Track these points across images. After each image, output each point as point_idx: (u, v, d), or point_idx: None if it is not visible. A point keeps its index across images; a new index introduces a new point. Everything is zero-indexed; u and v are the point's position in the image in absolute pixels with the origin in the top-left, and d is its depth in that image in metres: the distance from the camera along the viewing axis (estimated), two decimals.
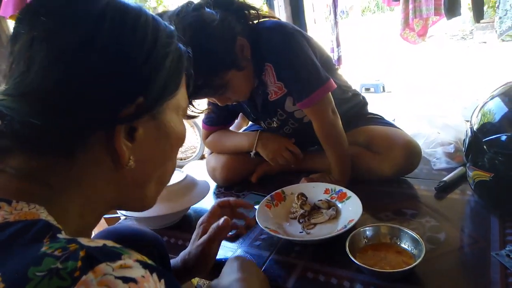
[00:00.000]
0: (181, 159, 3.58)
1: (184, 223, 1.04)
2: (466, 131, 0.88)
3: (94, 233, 0.63)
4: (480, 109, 0.86)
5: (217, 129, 1.23)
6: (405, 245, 0.75)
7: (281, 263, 0.82)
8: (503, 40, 6.43)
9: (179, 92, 0.46)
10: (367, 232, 0.79)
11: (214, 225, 0.75)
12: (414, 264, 0.67)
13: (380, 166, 1.03)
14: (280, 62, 0.98)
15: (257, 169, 1.19)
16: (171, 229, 1.01)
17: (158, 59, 0.42)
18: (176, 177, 1.03)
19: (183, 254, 0.76)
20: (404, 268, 0.68)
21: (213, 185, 1.21)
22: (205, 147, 1.28)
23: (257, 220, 0.89)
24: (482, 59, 5.85)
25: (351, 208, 0.90)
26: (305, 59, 0.96)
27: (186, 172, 1.07)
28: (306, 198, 0.97)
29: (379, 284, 0.71)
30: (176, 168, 1.10)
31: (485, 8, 3.56)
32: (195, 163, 2.84)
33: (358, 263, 0.71)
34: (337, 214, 0.92)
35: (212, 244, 0.74)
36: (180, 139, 0.49)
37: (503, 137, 0.76)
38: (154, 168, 0.47)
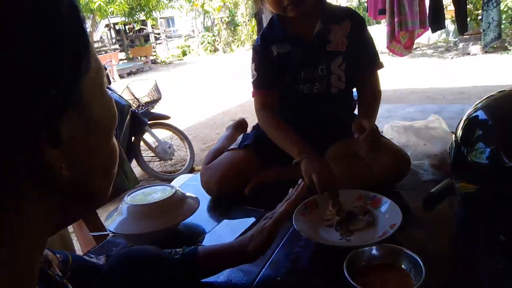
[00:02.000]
0: (171, 172, 3.56)
1: (174, 240, 1.03)
2: (452, 143, 0.90)
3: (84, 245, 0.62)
4: (464, 121, 0.88)
5: (267, 93, 1.21)
6: (405, 265, 0.74)
7: (273, 282, 0.82)
8: (486, 52, 6.62)
9: (93, 59, 0.33)
10: (366, 253, 0.78)
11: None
12: None
13: (370, 174, 1.04)
14: (361, 27, 1.18)
15: (251, 180, 1.18)
16: (161, 247, 1.00)
17: (52, 20, 0.28)
18: (165, 192, 1.03)
19: (243, 238, 0.79)
20: None
21: (205, 198, 1.20)
22: (259, 121, 1.24)
23: (296, 228, 0.90)
24: (466, 69, 5.98)
25: (388, 214, 0.91)
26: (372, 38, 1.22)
27: (176, 187, 1.06)
28: (341, 204, 0.97)
29: None
30: (165, 184, 1.11)
31: (467, 20, 3.66)
32: (185, 176, 2.83)
33: (357, 286, 0.70)
34: (373, 220, 0.93)
35: (280, 224, 0.78)
36: (113, 121, 0.38)
37: (487, 149, 0.78)
38: (92, 164, 0.36)
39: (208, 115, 5.48)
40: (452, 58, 7.06)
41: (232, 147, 1.24)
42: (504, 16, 5.65)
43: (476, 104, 0.89)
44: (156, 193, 1.05)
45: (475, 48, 6.93)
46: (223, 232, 1.00)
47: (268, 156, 1.21)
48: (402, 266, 0.75)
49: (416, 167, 1.14)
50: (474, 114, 0.87)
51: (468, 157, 0.81)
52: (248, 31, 13.63)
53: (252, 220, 1.02)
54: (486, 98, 0.90)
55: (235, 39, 14.31)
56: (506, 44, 6.58)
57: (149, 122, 3.48)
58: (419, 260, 0.71)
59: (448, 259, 0.80)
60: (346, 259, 0.75)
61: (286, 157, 1.22)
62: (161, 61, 14.19)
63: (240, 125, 1.49)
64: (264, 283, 0.80)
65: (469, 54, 6.98)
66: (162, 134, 3.70)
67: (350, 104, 1.30)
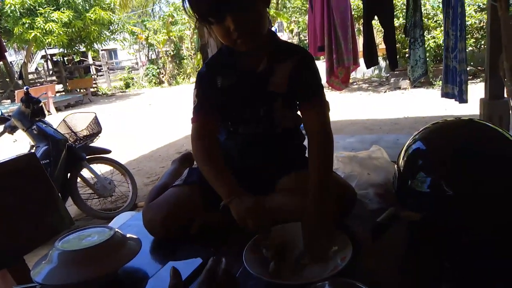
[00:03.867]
0: (111, 210, 3.34)
1: (112, 286, 0.93)
2: (394, 173, 0.92)
3: None
4: (405, 152, 0.91)
5: (206, 119, 1.13)
6: None
7: None
8: (415, 86, 7.23)
9: None
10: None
11: None
12: None
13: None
14: (306, 64, 1.12)
15: (197, 219, 1.12)
16: None
17: None
18: (102, 235, 0.94)
19: None
20: None
21: (148, 238, 1.12)
22: (193, 152, 1.15)
23: (246, 266, 0.85)
24: (398, 102, 6.45)
25: (338, 248, 0.89)
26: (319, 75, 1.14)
27: (115, 229, 0.97)
28: (276, 245, 0.93)
29: None
30: (103, 226, 1.02)
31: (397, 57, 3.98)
32: (126, 214, 2.66)
33: None
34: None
35: None
36: None
37: (428, 179, 0.81)
38: None
39: (152, 147, 5.32)
40: (385, 91, 7.61)
41: (176, 183, 1.18)
42: (427, 54, 6.25)
43: (414, 136, 0.94)
44: (92, 236, 0.95)
45: (405, 83, 7.54)
46: (168, 276, 0.92)
47: (215, 193, 1.16)
48: None
49: (361, 197, 1.16)
50: (413, 145, 0.91)
51: (410, 186, 0.83)
52: (194, 64, 13.72)
53: (199, 260, 0.96)
54: (422, 130, 0.94)
55: (181, 72, 14.32)
56: (430, 80, 7.23)
57: (87, 157, 3.29)
58: None
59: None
60: None
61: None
62: (102, 93, 13.72)
63: (186, 158, 1.44)
64: None
65: (400, 88, 7.56)
66: (102, 169, 3.50)
67: (299, 139, 1.28)
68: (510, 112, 3.09)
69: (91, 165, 3.30)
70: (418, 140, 0.91)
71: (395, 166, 0.92)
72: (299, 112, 1.17)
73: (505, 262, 0.81)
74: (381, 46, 4.79)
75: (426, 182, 0.80)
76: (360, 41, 4.35)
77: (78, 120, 3.57)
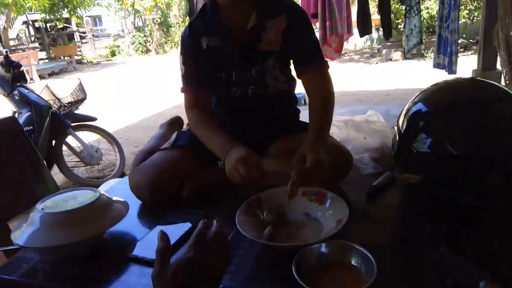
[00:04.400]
0: (98, 178, 3.29)
1: (99, 252, 0.89)
2: (394, 135, 0.89)
3: None
4: (405, 113, 0.87)
5: (197, 91, 1.10)
6: (355, 261, 0.70)
7: None
8: (406, 58, 7.17)
9: None
10: (314, 251, 0.73)
11: None
12: (366, 286, 0.62)
13: (312, 174, 0.99)
14: (300, 22, 1.06)
15: (188, 182, 1.07)
16: (85, 260, 0.86)
17: None
18: (87, 197, 0.89)
19: None
20: None
21: (136, 203, 1.07)
22: (188, 122, 1.11)
23: (239, 229, 0.81)
24: (389, 73, 6.41)
25: (334, 209, 0.87)
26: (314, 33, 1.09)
27: (100, 191, 0.93)
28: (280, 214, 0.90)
29: None
30: (88, 188, 0.97)
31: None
32: (113, 181, 2.62)
33: (304, 285, 0.64)
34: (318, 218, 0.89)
35: None
36: None
37: (431, 140, 0.77)
38: None
39: (140, 117, 5.21)
40: (377, 63, 7.53)
41: (164, 146, 1.13)
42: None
43: (415, 98, 0.89)
44: (76, 198, 0.90)
45: (396, 55, 7.46)
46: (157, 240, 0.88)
47: (206, 156, 1.12)
48: (352, 262, 0.71)
49: (356, 162, 1.13)
50: (414, 107, 0.87)
51: (411, 148, 0.80)
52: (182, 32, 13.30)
53: (189, 225, 0.92)
54: (423, 92, 0.90)
55: (168, 40, 13.91)
56: (422, 51, 7.17)
57: (72, 124, 3.19)
58: (370, 255, 0.68)
59: (395, 252, 0.78)
60: (294, 258, 0.69)
61: None
62: (87, 61, 13.31)
63: (175, 123, 1.38)
64: None
65: (391, 60, 7.49)
66: (88, 137, 3.41)
67: (292, 102, 1.23)
68: (503, 82, 3.08)
69: (76, 133, 3.21)
70: (419, 101, 0.87)
71: (394, 128, 0.88)
72: (293, 74, 1.12)
73: (505, 227, 0.79)
74: (373, 17, 4.67)
75: (428, 143, 0.77)
76: (354, 10, 4.24)
77: (62, 86, 3.45)
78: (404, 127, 0.84)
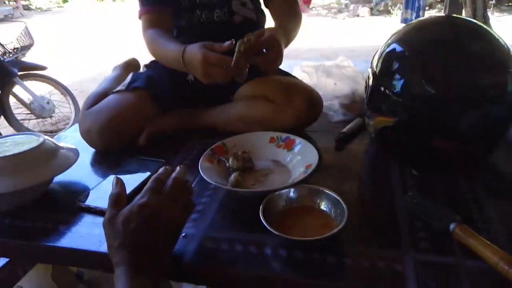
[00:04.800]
0: (52, 132, 3.09)
1: (46, 202, 0.80)
2: (368, 77, 0.84)
3: None
4: (380, 54, 0.82)
5: (157, 11, 1.01)
6: (324, 206, 0.67)
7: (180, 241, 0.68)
8: (373, 14, 7.13)
9: None
10: (283, 196, 0.69)
11: None
12: (336, 230, 0.59)
13: (282, 117, 0.94)
14: None
15: (145, 128, 0.98)
16: (30, 210, 0.77)
17: None
18: (30, 142, 0.79)
19: None
20: (324, 235, 0.59)
21: (88, 151, 0.98)
22: (147, 45, 1.03)
23: (203, 175, 0.75)
24: (356, 29, 6.36)
25: (303, 155, 0.82)
26: None
27: (44, 136, 0.82)
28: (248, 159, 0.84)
29: (293, 250, 0.62)
30: (30, 132, 0.86)
31: None
32: (68, 132, 2.46)
33: (270, 228, 0.60)
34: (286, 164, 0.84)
35: None
36: None
37: (408, 80, 0.73)
38: None
39: (95, 69, 4.89)
40: (344, 18, 7.44)
41: (118, 89, 1.02)
42: None
43: (389, 39, 0.84)
44: (18, 143, 0.80)
45: (364, 11, 7.40)
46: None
47: (165, 100, 1.03)
48: (322, 207, 0.67)
49: (326, 109, 1.08)
50: (388, 48, 0.81)
51: (386, 90, 0.75)
52: None
53: (147, 174, 0.85)
54: (396, 32, 0.84)
55: None
56: (389, 8, 7.14)
57: (19, 73, 2.93)
58: (340, 200, 0.65)
59: (364, 197, 0.75)
60: (262, 204, 0.65)
61: (189, 101, 1.07)
62: (36, 7, 12.21)
63: (130, 64, 1.26)
64: None
65: (358, 16, 7.42)
66: (39, 88, 3.16)
67: None
68: None
69: (24, 83, 2.96)
70: (394, 42, 0.81)
71: (369, 70, 0.83)
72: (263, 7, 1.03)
73: (474, 170, 0.79)
74: None
75: (403, 84, 0.72)
76: None
77: (6, 32, 3.13)
78: (379, 68, 0.79)
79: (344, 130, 0.96)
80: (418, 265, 0.57)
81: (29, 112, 3.03)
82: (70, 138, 1.07)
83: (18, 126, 2.91)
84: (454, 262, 0.58)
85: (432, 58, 0.72)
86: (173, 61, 0.89)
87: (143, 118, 0.99)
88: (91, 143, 0.96)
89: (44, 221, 0.73)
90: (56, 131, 3.13)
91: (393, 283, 0.55)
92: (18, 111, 3.07)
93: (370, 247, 0.62)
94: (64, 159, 0.81)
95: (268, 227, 0.61)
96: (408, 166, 0.81)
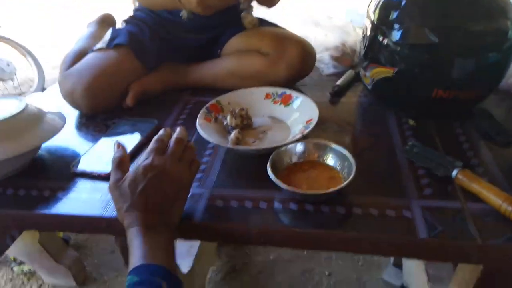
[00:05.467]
0: (16, 96, 2.90)
1: (35, 168, 0.76)
2: (365, 28, 0.82)
3: None
4: (378, 2, 0.79)
5: None
6: (330, 161, 0.67)
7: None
8: None
9: None
10: (288, 152, 0.68)
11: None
12: (347, 181, 0.60)
13: (275, 69, 0.91)
14: None
15: (131, 87, 0.93)
16: (19, 178, 0.73)
17: None
18: (11, 107, 0.73)
19: None
20: (337, 187, 0.60)
21: (71, 114, 0.92)
22: None
23: (202, 135, 0.73)
24: None
25: (301, 111, 0.81)
26: None
27: (25, 100, 0.76)
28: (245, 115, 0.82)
29: (303, 203, 0.63)
30: (11, 95, 0.80)
31: None
32: (38, 95, 2.32)
33: (280, 183, 0.60)
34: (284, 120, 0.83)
35: None
36: None
37: (405, 29, 0.72)
38: None
39: (56, 28, 4.55)
40: None
41: (98, 46, 0.95)
42: None
43: None
44: None
45: None
46: (106, 151, 0.77)
47: (149, 57, 0.97)
48: (327, 161, 0.68)
49: (316, 62, 1.06)
50: None
51: (386, 39, 0.74)
52: None
53: (141, 135, 0.82)
54: None
55: None
56: None
57: None
58: (346, 153, 0.65)
59: (366, 148, 0.76)
60: (269, 160, 0.65)
61: (174, 58, 1.01)
62: None
63: (105, 20, 1.17)
64: None
65: None
66: None
67: None
68: None
69: None
70: None
71: (366, 20, 0.81)
72: None
73: (472, 117, 0.80)
74: None
75: (404, 33, 0.71)
76: None
77: None
78: (377, 17, 0.77)
79: (338, 83, 0.95)
80: (425, 211, 0.60)
81: None
82: (49, 103, 1.00)
83: None
84: (458, 206, 0.60)
85: (433, 6, 0.71)
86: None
87: (127, 76, 0.93)
88: (74, 105, 0.90)
89: (39, 189, 0.70)
90: (20, 94, 2.95)
91: (403, 229, 0.57)
92: None
93: (377, 196, 0.63)
94: (51, 124, 0.76)
95: (278, 183, 0.61)
96: (404, 116, 0.82)
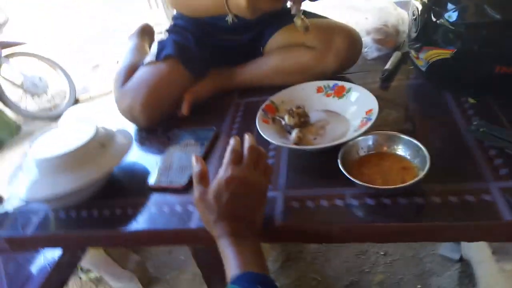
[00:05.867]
0: (50, 109, 3.01)
1: (112, 188, 0.81)
2: (414, 10, 0.80)
3: None
4: None
5: None
6: (401, 152, 0.67)
7: None
8: None
9: None
10: (360, 143, 0.69)
11: None
12: (424, 172, 0.60)
13: (323, 62, 0.91)
14: None
15: (185, 97, 0.96)
16: (100, 200, 0.78)
17: None
18: (83, 133, 0.77)
19: None
20: (415, 179, 0.60)
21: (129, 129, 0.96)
22: (171, 5, 0.98)
23: (265, 137, 0.75)
24: None
25: (358, 101, 0.81)
26: None
27: (95, 123, 0.80)
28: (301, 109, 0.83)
29: (379, 197, 0.64)
30: (80, 121, 0.83)
31: None
32: (73, 109, 2.40)
33: (355, 180, 0.62)
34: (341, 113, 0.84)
35: None
36: None
37: (463, 8, 0.70)
38: None
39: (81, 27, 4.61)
40: None
41: (148, 60, 0.98)
42: None
43: None
44: (69, 135, 0.78)
45: None
46: (176, 162, 0.80)
47: (196, 64, 0.99)
48: (398, 152, 0.68)
49: None
50: None
51: (441, 20, 0.72)
52: None
53: (205, 143, 0.84)
54: None
55: None
56: None
57: (4, 54, 2.78)
58: (418, 143, 0.65)
59: (431, 133, 0.75)
60: (339, 156, 0.66)
61: (219, 62, 1.03)
62: None
63: (145, 31, 1.19)
64: None
65: None
66: (25, 65, 3.02)
67: None
68: None
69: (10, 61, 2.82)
70: None
71: (416, 1, 0.79)
72: None
73: None
74: None
75: (465, 11, 0.70)
76: None
77: None
78: None
79: (387, 67, 0.94)
80: (505, 192, 0.60)
81: (23, 92, 2.92)
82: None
83: (15, 108, 2.82)
84: None
85: None
86: (213, 7, 0.84)
87: (179, 86, 0.96)
88: (133, 120, 0.94)
89: (119, 207, 0.74)
90: (54, 107, 3.05)
91: (486, 213, 0.58)
92: (10, 94, 2.96)
93: (453, 183, 0.63)
94: (121, 144, 0.79)
95: (355, 180, 0.62)
96: (462, 96, 0.81)
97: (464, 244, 1.28)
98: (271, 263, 1.50)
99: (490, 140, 0.68)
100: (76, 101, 3.09)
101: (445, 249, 1.36)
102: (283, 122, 0.83)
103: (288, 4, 0.81)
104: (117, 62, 3.52)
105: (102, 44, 3.84)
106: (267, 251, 1.51)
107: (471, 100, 0.80)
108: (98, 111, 1.10)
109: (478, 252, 1.17)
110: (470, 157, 0.67)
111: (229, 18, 0.82)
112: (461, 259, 1.32)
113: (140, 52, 1.07)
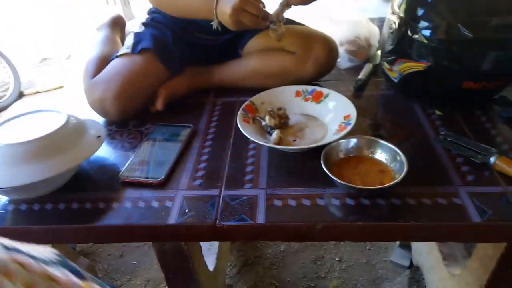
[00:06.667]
0: None
1: (81, 180, 0.75)
2: (391, 24, 0.85)
3: None
4: None
5: None
6: (383, 158, 0.71)
7: (236, 198, 0.68)
8: None
9: None
10: (339, 146, 0.71)
11: None
12: (403, 174, 0.63)
13: (303, 67, 0.93)
14: None
15: (159, 92, 0.93)
16: (69, 192, 0.72)
17: None
18: (53, 120, 0.72)
19: None
20: (394, 181, 0.63)
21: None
22: (153, 3, 0.96)
23: (246, 135, 0.76)
24: None
25: (335, 107, 0.84)
26: None
27: (63, 111, 0.75)
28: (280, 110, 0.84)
29: (359, 198, 0.66)
30: (46, 108, 0.78)
31: None
32: (19, 103, 2.23)
33: (338, 180, 0.63)
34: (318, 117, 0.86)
35: None
36: None
37: (439, 24, 0.75)
38: None
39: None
40: None
41: (122, 52, 0.94)
42: None
43: None
44: (36, 122, 0.73)
45: None
46: (150, 157, 0.77)
47: (173, 60, 0.97)
48: (375, 157, 0.71)
49: None
50: None
51: (417, 35, 0.77)
52: None
53: (181, 139, 0.82)
54: None
55: None
56: None
57: None
58: (396, 149, 0.69)
59: (403, 140, 0.79)
60: (322, 157, 0.68)
61: (196, 60, 1.02)
62: None
63: (116, 22, 1.14)
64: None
65: None
66: None
67: None
68: None
69: None
70: None
71: (394, 16, 0.84)
72: None
73: (489, 105, 0.86)
74: None
75: (440, 28, 0.75)
76: None
77: None
78: (408, 11, 0.81)
79: (360, 76, 0.99)
80: (472, 197, 0.64)
81: None
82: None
83: None
84: (501, 190, 0.66)
85: (463, 0, 0.75)
86: (200, 11, 0.83)
87: (154, 81, 0.93)
88: (103, 113, 0.89)
89: (90, 202, 0.70)
90: None
91: (456, 215, 0.62)
92: None
93: (425, 186, 0.67)
94: (93, 135, 0.75)
95: (337, 181, 0.64)
96: (430, 107, 0.87)
97: (415, 251, 1.35)
98: (229, 268, 1.48)
99: (456, 149, 0.73)
100: (21, 95, 2.87)
101: (396, 256, 1.43)
102: (263, 123, 0.83)
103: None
104: (68, 57, 3.35)
105: (54, 39, 3.62)
106: (226, 256, 1.49)
107: (438, 112, 0.85)
108: (55, 105, 1.02)
109: (428, 258, 1.24)
110: (440, 163, 0.72)
111: (215, 24, 0.81)
112: (411, 266, 1.40)
113: (111, 43, 1.03)
